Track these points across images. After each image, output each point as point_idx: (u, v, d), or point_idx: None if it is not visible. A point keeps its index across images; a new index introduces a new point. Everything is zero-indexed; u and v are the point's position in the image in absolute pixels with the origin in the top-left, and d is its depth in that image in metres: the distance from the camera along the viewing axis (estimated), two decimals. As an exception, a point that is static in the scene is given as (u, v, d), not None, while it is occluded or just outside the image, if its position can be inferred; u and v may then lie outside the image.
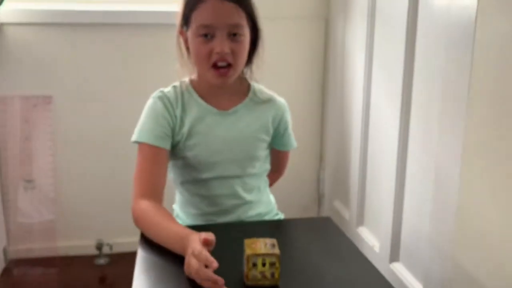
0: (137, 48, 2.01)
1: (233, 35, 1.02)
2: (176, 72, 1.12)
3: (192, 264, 0.80)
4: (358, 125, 1.81)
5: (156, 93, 1.10)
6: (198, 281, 0.80)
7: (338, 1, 1.98)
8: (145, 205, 1.01)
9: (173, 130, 1.08)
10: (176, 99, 1.09)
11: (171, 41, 1.11)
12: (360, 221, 1.84)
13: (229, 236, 0.94)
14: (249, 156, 1.13)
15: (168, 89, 1.11)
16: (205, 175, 1.10)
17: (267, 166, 1.20)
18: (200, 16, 1.01)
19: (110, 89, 2.03)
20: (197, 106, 1.09)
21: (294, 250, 0.95)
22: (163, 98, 1.08)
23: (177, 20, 1.08)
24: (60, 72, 2.00)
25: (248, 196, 1.14)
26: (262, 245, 0.82)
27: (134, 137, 1.07)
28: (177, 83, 1.12)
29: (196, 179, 1.12)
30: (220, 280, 0.78)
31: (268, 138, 1.16)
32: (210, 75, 1.04)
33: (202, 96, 1.10)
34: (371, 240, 1.71)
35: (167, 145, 1.07)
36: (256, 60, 1.12)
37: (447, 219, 1.20)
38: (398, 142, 1.47)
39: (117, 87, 2.02)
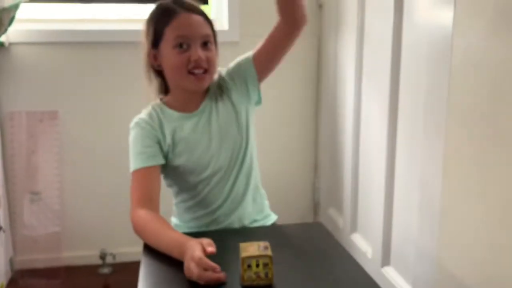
0: (141, 65, 2.08)
1: (205, 45, 1.10)
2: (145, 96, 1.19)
3: (191, 268, 0.86)
4: (350, 136, 1.85)
5: (132, 124, 1.16)
6: (201, 282, 0.86)
7: (330, 19, 2.05)
8: (143, 214, 1.05)
9: (159, 143, 1.13)
10: (151, 117, 1.15)
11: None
12: (354, 228, 1.88)
13: (225, 242, 0.98)
14: (237, 134, 1.16)
15: (140, 115, 1.17)
16: (202, 176, 1.15)
17: (255, 160, 1.22)
18: (175, 29, 1.09)
19: (114, 104, 2.07)
20: (171, 118, 1.15)
21: (287, 253, 1.00)
22: (139, 123, 1.14)
23: (145, 44, 1.14)
24: (66, 88, 2.05)
25: (240, 191, 1.18)
26: (256, 248, 0.88)
27: (131, 169, 1.12)
28: (148, 106, 1.18)
29: (194, 183, 1.16)
30: (223, 276, 0.86)
31: (244, 100, 1.18)
32: (189, 81, 1.10)
33: (173, 108, 1.16)
34: (364, 246, 1.75)
35: (158, 161, 1.12)
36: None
37: (432, 225, 1.25)
38: (386, 152, 1.52)
39: (121, 102, 2.05)
